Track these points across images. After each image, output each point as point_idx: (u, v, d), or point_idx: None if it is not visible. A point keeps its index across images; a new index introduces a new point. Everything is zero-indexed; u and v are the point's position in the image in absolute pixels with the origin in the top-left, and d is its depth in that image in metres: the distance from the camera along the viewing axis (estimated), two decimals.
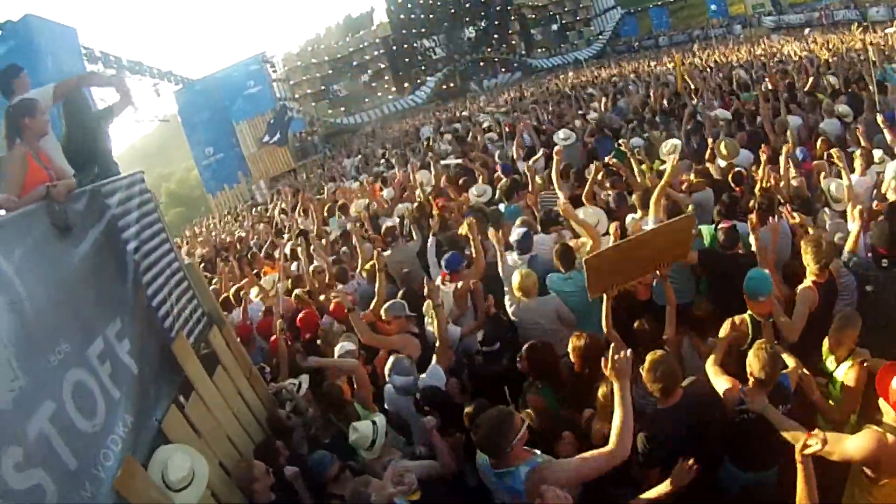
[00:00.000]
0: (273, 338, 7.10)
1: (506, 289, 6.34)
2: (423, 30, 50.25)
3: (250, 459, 4.73)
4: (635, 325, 5.22)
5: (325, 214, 11.94)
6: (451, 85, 49.64)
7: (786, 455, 4.01)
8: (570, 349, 5.00)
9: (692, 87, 14.38)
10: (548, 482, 3.42)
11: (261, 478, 4.54)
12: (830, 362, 4.49)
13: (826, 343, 4.51)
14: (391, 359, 5.46)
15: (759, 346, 4.14)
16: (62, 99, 5.11)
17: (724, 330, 5.00)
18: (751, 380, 4.11)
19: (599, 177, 8.59)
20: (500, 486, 3.78)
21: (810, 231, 5.85)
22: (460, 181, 11.21)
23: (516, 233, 7.26)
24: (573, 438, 4.43)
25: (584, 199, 7.88)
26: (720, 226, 6.22)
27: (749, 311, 5.03)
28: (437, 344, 5.72)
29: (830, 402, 4.45)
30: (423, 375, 5.38)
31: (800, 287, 5.23)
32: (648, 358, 4.24)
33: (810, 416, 4.36)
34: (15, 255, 3.30)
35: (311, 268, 8.49)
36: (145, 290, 4.73)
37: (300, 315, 7.28)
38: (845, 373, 4.34)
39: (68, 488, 3.14)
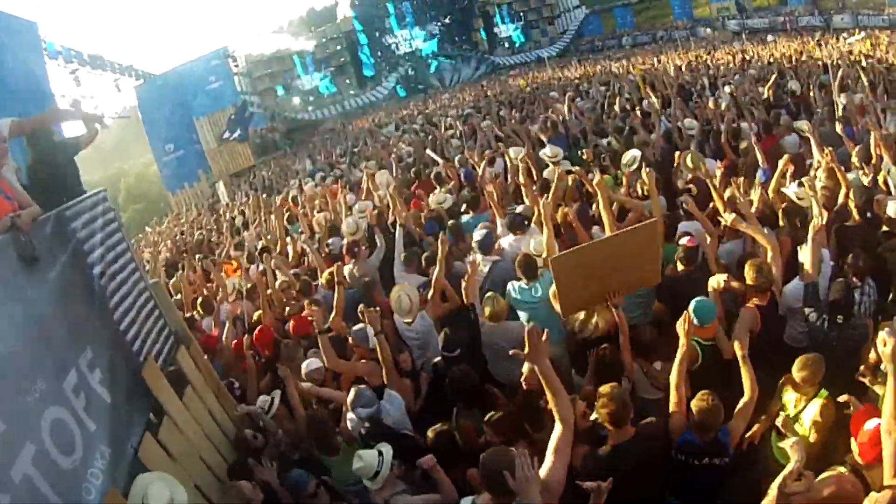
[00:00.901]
0: (237, 348, 7.21)
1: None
2: (386, 25, 50.05)
3: (238, 482, 4.74)
4: (595, 355, 5.29)
5: (287, 224, 11.87)
6: (414, 82, 49.54)
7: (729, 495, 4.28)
8: (523, 370, 5.08)
9: (653, 98, 14.52)
10: (551, 486, 3.43)
11: (254, 496, 4.60)
12: (794, 401, 4.52)
13: (789, 381, 4.58)
14: (352, 391, 5.43)
15: (701, 396, 4.25)
16: (19, 136, 4.91)
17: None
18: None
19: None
20: None
21: (768, 248, 5.92)
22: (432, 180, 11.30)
23: (478, 234, 7.41)
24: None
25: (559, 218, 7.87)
26: (682, 242, 6.35)
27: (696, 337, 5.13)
28: (384, 371, 5.76)
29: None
30: (383, 402, 5.43)
31: (743, 309, 5.38)
32: (602, 391, 4.30)
33: (752, 469, 4.47)
34: None
35: (278, 283, 8.45)
36: (112, 314, 4.71)
37: (255, 332, 7.24)
38: (817, 411, 4.37)
39: None
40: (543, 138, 12.06)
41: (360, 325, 6.29)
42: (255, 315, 7.95)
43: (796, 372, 4.48)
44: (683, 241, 6.35)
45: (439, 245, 6.73)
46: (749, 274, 5.38)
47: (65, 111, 5.25)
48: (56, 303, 3.98)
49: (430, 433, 4.97)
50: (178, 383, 5.26)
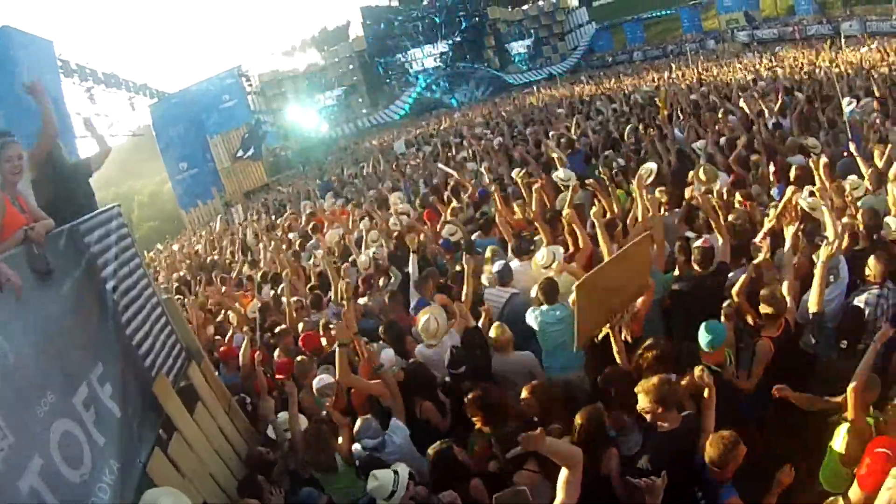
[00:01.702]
0: (247, 365, 7.20)
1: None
2: (398, 44, 50.37)
3: (246, 500, 4.70)
4: (606, 369, 5.20)
5: (299, 245, 11.94)
6: (426, 100, 49.74)
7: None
8: (524, 395, 5.07)
9: (665, 114, 14.54)
10: None
11: None
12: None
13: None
14: (358, 423, 5.35)
15: (718, 435, 4.07)
16: (42, 159, 4.90)
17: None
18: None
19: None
20: None
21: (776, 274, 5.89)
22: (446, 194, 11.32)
23: (497, 265, 7.34)
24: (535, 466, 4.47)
25: (563, 220, 7.81)
26: (696, 244, 6.33)
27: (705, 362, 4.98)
28: (393, 400, 5.66)
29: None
30: (388, 432, 5.32)
31: (758, 344, 5.26)
32: (645, 384, 4.32)
33: None
34: None
35: (293, 301, 8.45)
36: (125, 329, 4.72)
37: (277, 361, 7.24)
38: (843, 435, 4.20)
39: None
40: (562, 156, 11.75)
41: (380, 343, 6.29)
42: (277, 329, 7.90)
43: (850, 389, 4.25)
44: (698, 242, 6.34)
45: (465, 266, 6.80)
46: (762, 303, 5.29)
47: (54, 131, 5.12)
48: (68, 317, 4.00)
49: (430, 451, 4.88)
50: (189, 399, 5.25)
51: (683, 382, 4.88)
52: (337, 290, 8.23)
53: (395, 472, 4.46)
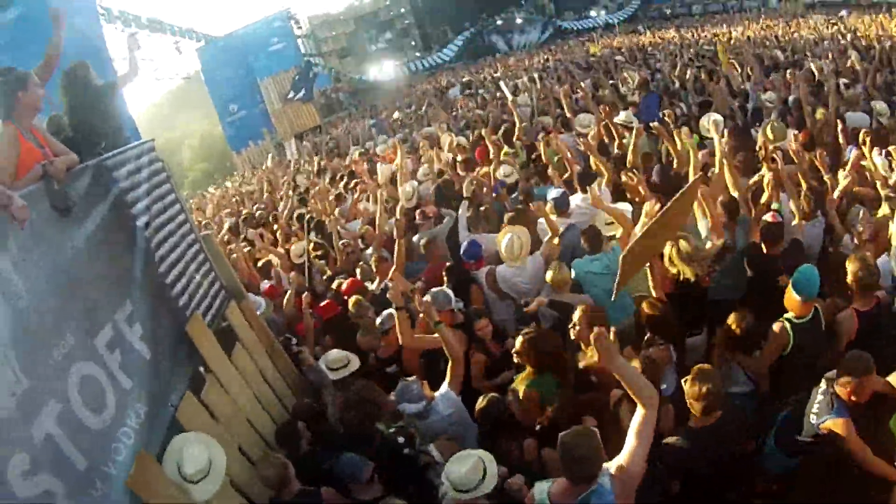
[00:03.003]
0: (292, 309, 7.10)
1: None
2: None
3: (270, 454, 4.46)
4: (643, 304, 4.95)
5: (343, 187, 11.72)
6: (479, 44, 48.76)
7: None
8: (576, 317, 4.77)
9: (737, 69, 13.87)
10: (633, 473, 3.30)
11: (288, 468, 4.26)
12: None
13: None
14: (399, 385, 4.98)
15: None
16: (54, 69, 4.62)
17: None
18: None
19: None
20: None
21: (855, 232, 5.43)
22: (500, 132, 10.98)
23: (554, 192, 7.06)
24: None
25: (628, 164, 7.63)
26: (765, 217, 5.79)
27: (788, 315, 4.60)
28: (451, 364, 5.11)
29: None
30: (437, 399, 4.93)
31: (840, 314, 4.72)
32: (695, 371, 3.97)
33: None
34: (10, 246, 3.05)
35: (340, 244, 8.23)
36: (158, 267, 4.49)
37: (322, 304, 7.02)
38: None
39: (78, 490, 2.99)
40: (636, 99, 11.39)
41: (440, 287, 5.92)
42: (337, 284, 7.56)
43: None
44: (766, 216, 5.78)
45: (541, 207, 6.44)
46: (852, 270, 4.61)
47: (57, 52, 4.85)
48: (92, 255, 3.78)
49: (480, 401, 4.54)
50: (227, 340, 5.03)
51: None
52: (382, 227, 7.96)
53: (482, 459, 3.86)
